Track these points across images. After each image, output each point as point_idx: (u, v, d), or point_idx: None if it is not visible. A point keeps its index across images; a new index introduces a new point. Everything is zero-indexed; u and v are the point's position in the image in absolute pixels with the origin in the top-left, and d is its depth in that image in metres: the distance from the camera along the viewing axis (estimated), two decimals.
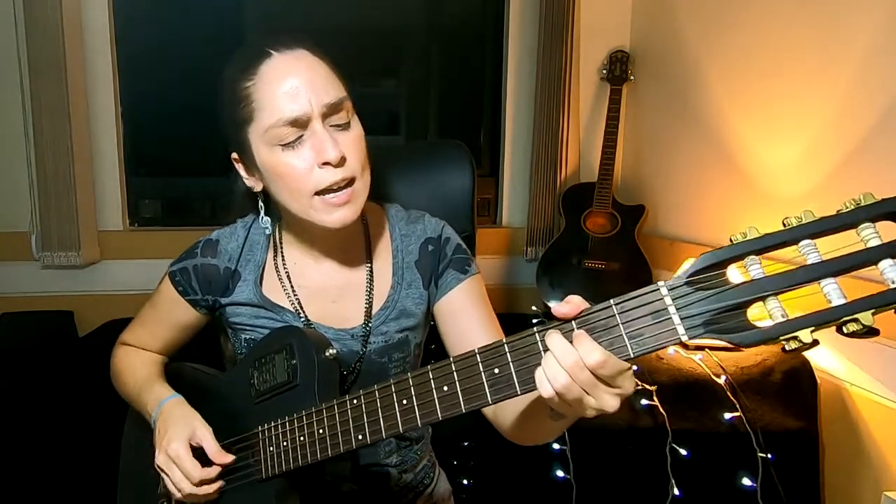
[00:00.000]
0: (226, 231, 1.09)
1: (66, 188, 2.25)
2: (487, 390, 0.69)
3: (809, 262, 0.55)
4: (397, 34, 2.80)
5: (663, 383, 1.62)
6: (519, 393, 0.68)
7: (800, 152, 1.80)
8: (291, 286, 1.04)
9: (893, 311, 0.53)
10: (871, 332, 0.52)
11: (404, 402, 0.76)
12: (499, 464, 1.74)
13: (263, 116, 0.91)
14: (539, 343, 0.66)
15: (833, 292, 0.53)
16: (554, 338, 0.64)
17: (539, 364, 0.65)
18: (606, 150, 2.48)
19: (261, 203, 1.04)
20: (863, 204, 0.53)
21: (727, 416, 1.60)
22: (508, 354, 0.68)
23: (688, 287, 0.59)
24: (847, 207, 0.54)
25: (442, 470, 1.22)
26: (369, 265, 1.05)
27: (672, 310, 0.59)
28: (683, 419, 1.61)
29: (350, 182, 0.93)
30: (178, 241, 1.18)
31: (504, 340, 0.69)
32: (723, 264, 0.58)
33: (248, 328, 1.05)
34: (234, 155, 1.01)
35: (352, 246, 1.05)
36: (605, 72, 2.60)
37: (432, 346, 1.12)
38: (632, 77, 2.59)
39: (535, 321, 2.12)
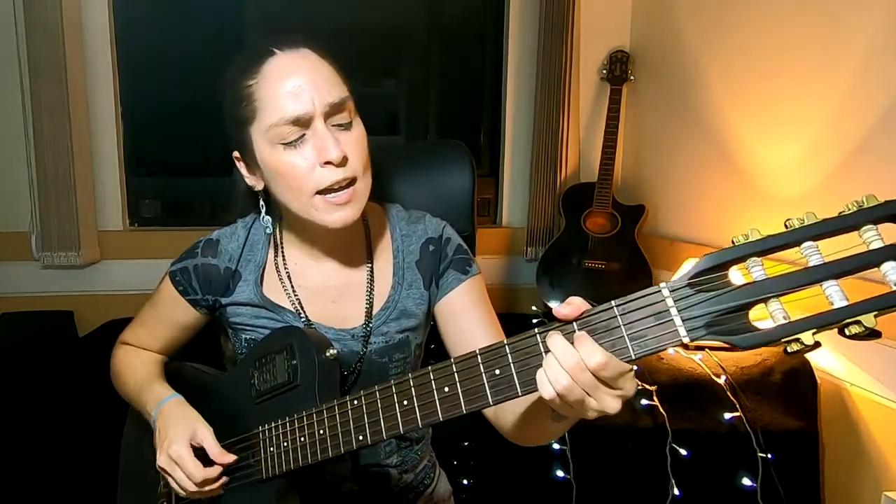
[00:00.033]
0: (226, 231, 1.09)
1: (66, 188, 2.25)
2: (488, 391, 0.69)
3: (811, 263, 0.54)
4: (397, 34, 2.80)
5: (663, 383, 1.62)
6: (520, 394, 0.68)
7: (800, 152, 1.80)
8: (292, 286, 1.04)
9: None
10: (873, 334, 0.52)
11: (405, 402, 0.76)
12: (499, 464, 1.74)
13: (266, 115, 0.91)
14: (540, 344, 0.66)
15: (835, 294, 0.53)
16: (555, 339, 0.64)
17: (540, 365, 0.65)
18: (606, 150, 2.48)
19: (262, 202, 1.04)
20: (865, 206, 0.53)
21: (727, 416, 1.60)
22: (510, 356, 0.68)
23: (689, 288, 0.59)
24: (849, 209, 0.54)
25: (442, 470, 1.22)
26: (370, 265, 1.05)
27: (674, 311, 0.59)
28: (683, 419, 1.61)
29: (352, 182, 0.93)
30: (178, 241, 1.18)
31: (505, 341, 0.69)
32: (725, 266, 0.58)
33: (248, 328, 1.05)
34: (236, 153, 1.01)
35: (353, 246, 1.05)
36: (605, 72, 2.60)
37: (432, 345, 1.12)
38: (632, 77, 2.59)
39: (535, 321, 2.12)
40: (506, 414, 0.91)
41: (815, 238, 0.55)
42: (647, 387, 1.60)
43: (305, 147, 0.91)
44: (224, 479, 0.96)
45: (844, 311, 0.53)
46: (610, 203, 2.46)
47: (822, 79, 1.72)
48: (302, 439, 0.88)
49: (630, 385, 0.65)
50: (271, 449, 0.93)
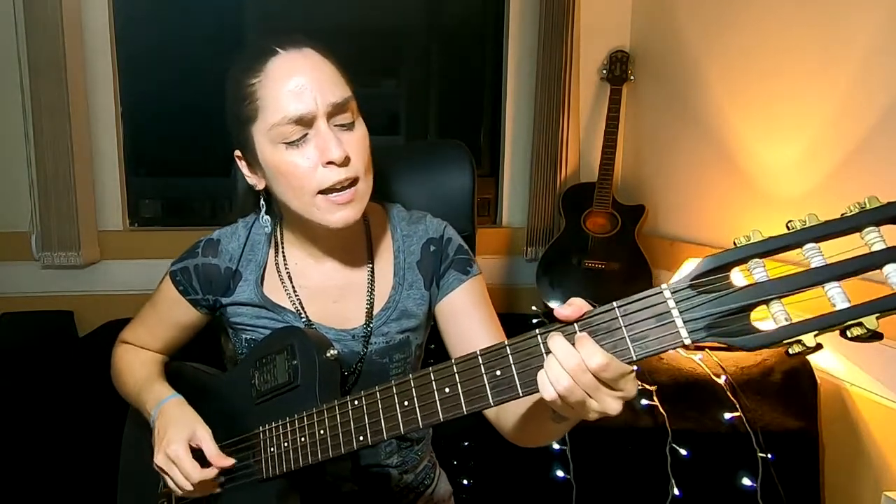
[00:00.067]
0: (227, 231, 1.08)
1: (66, 188, 2.25)
2: (489, 392, 0.69)
3: (813, 265, 0.54)
4: (397, 34, 2.80)
5: (663, 383, 1.62)
6: (521, 395, 0.68)
7: (800, 152, 1.80)
8: (293, 286, 1.04)
9: None
10: (875, 336, 0.52)
11: (406, 403, 0.76)
12: (499, 464, 1.74)
13: (268, 114, 0.91)
14: (541, 345, 0.66)
15: (837, 296, 0.53)
16: (556, 340, 0.64)
17: (541, 366, 0.65)
18: (606, 150, 2.48)
19: (262, 202, 1.04)
20: (867, 207, 0.53)
21: (727, 416, 1.60)
22: (510, 356, 0.68)
23: (691, 290, 0.59)
24: (851, 211, 0.54)
25: (442, 470, 1.22)
26: (371, 265, 1.05)
27: (675, 313, 0.59)
28: (683, 419, 1.61)
29: (353, 182, 0.92)
30: (178, 241, 1.18)
31: (506, 342, 0.69)
32: (726, 267, 0.58)
33: (248, 328, 1.05)
34: (237, 152, 1.00)
35: (353, 246, 1.05)
36: (605, 72, 2.60)
37: (432, 346, 1.12)
38: (632, 77, 2.58)
39: (535, 321, 2.12)
40: (507, 415, 0.91)
41: (818, 239, 0.55)
42: (647, 387, 1.60)
43: (308, 147, 0.91)
44: (221, 479, 0.96)
45: (847, 313, 0.53)
46: (610, 203, 2.46)
47: (822, 79, 1.72)
48: (302, 439, 0.88)
49: (631, 386, 0.65)
50: (272, 449, 0.93)
